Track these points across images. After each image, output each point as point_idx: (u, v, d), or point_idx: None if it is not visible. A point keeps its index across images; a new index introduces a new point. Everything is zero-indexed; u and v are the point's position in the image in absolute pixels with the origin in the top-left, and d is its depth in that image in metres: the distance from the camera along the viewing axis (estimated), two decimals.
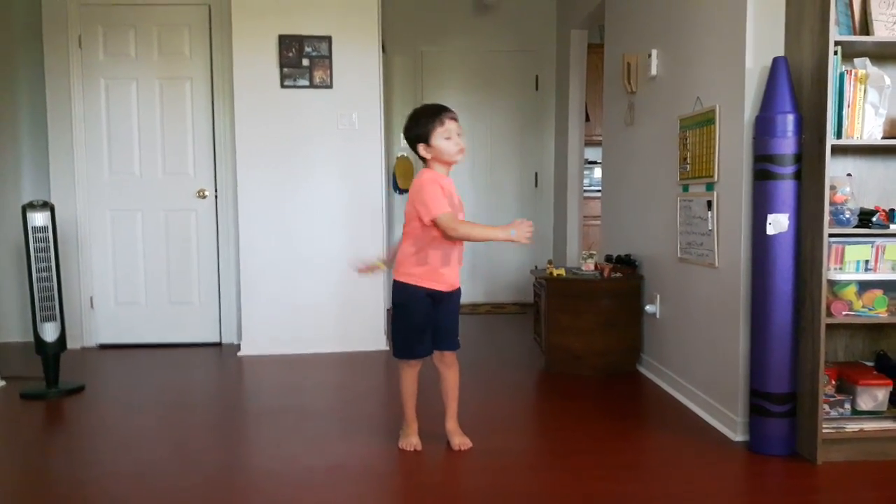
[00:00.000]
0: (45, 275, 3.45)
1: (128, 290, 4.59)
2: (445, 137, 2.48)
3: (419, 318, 2.57)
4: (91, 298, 4.56)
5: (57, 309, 3.49)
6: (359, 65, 4.29)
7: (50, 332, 3.46)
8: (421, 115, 2.53)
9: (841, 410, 2.54)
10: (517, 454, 2.66)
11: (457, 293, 2.65)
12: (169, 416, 3.17)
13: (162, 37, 4.51)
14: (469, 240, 2.53)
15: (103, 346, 4.58)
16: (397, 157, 5.74)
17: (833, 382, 2.59)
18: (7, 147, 4.65)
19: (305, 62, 4.25)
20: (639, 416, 3.15)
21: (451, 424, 2.72)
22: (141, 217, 4.57)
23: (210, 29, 4.50)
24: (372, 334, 4.39)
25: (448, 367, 2.70)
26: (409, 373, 2.67)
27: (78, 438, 2.94)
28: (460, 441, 2.69)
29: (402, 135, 2.64)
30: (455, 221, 2.47)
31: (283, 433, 2.89)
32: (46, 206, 3.48)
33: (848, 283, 2.47)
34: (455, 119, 2.52)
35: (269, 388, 3.64)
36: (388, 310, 4.48)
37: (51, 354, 3.47)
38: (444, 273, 2.57)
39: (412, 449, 2.65)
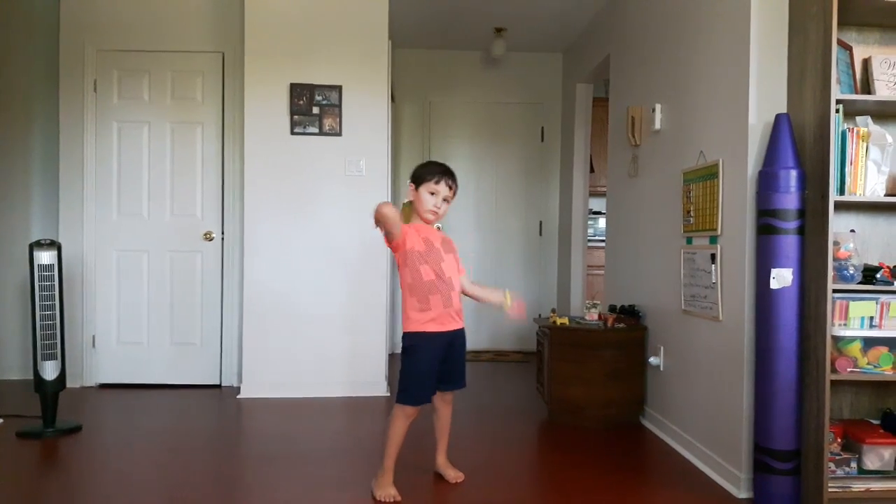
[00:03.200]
0: (48, 313, 3.46)
1: (131, 330, 4.58)
2: (430, 192, 2.66)
3: (431, 364, 2.65)
4: (93, 337, 4.55)
5: (58, 347, 3.48)
6: (368, 113, 4.37)
7: (50, 371, 3.45)
8: (430, 165, 2.74)
9: (847, 469, 2.50)
10: None
11: (463, 332, 2.77)
12: (165, 460, 3.13)
13: (175, 82, 4.60)
14: (380, 217, 2.48)
15: (103, 386, 4.55)
16: (403, 204, 5.76)
17: (839, 440, 2.55)
18: (18, 186, 4.72)
19: (315, 110, 4.33)
20: (641, 471, 3.10)
21: (445, 459, 2.88)
22: (147, 258, 4.59)
23: (223, 76, 4.60)
24: (374, 380, 4.36)
25: (449, 404, 2.85)
26: (407, 421, 2.66)
27: (72, 480, 2.91)
28: (455, 474, 2.84)
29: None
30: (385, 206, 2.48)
31: (280, 479, 2.84)
32: (53, 244, 3.51)
33: (853, 339, 2.46)
34: (451, 186, 2.69)
35: (267, 433, 3.60)
36: (390, 355, 4.47)
37: (49, 393, 3.45)
38: (449, 313, 2.67)
39: (391, 500, 2.59)
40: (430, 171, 2.67)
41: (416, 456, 3.02)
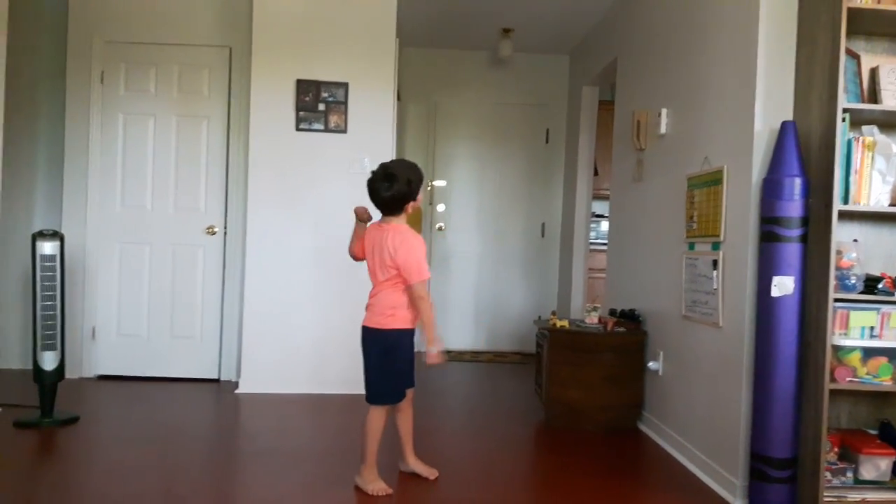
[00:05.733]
0: (49, 304, 3.46)
1: (131, 323, 4.59)
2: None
3: (411, 360, 2.73)
4: (93, 329, 4.56)
5: (58, 338, 3.49)
6: (373, 111, 4.37)
7: (49, 361, 3.45)
8: (418, 174, 2.69)
9: (843, 479, 2.49)
10: None
11: None
12: (161, 453, 3.13)
13: (182, 76, 4.61)
14: (419, 310, 2.65)
15: (102, 377, 4.56)
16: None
17: (836, 450, 2.55)
18: (23, 176, 4.71)
19: (321, 107, 4.33)
20: (637, 476, 3.09)
21: (415, 457, 2.89)
22: (149, 250, 4.60)
23: (230, 70, 4.60)
24: None
25: (411, 402, 2.85)
26: (385, 417, 2.72)
27: (68, 470, 2.91)
28: (430, 470, 2.86)
29: (392, 184, 2.62)
30: (426, 293, 2.63)
31: (275, 475, 2.85)
32: (56, 235, 3.52)
33: (852, 348, 2.45)
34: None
35: (265, 428, 3.60)
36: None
37: (48, 383, 3.46)
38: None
39: (384, 493, 2.63)
40: (422, 181, 2.72)
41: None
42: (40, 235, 3.49)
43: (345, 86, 4.33)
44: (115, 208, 4.59)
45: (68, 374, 3.76)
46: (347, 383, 4.27)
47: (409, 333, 2.70)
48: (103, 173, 4.57)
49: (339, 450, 3.24)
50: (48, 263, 3.47)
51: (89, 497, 2.58)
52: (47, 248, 3.47)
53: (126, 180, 4.60)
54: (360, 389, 4.22)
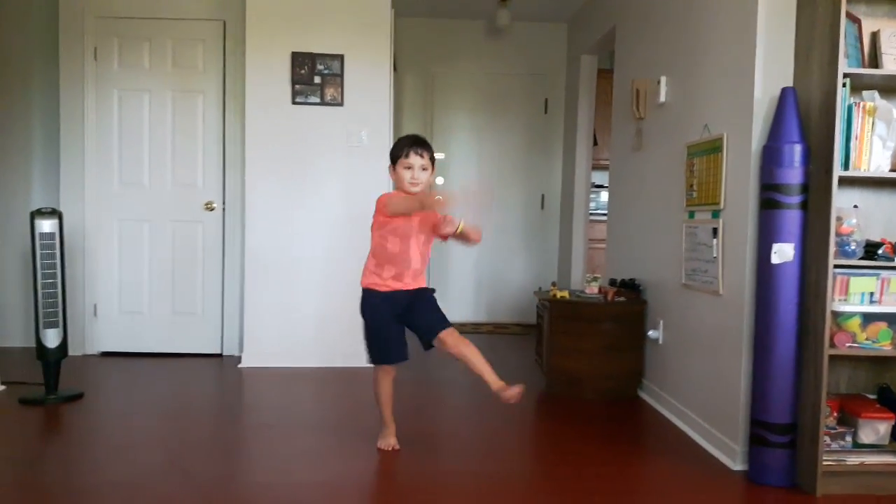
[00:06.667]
0: (49, 281, 3.46)
1: (132, 299, 4.60)
2: (405, 167, 2.68)
3: (384, 322, 2.72)
4: (95, 306, 4.57)
5: (60, 316, 3.50)
6: (370, 83, 4.33)
7: (52, 339, 3.46)
8: (399, 141, 2.77)
9: (842, 443, 2.52)
10: (512, 478, 2.64)
11: (421, 290, 2.75)
12: (166, 427, 3.16)
13: (176, 50, 4.56)
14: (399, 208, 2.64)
15: (105, 354, 4.58)
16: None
17: (835, 414, 2.57)
18: (19, 154, 4.69)
19: (317, 79, 4.29)
20: (638, 443, 3.12)
21: (498, 382, 2.64)
22: (148, 227, 4.59)
23: (224, 44, 4.55)
24: None
25: (457, 344, 2.66)
26: (384, 377, 2.81)
27: (74, 446, 2.94)
28: (513, 392, 2.59)
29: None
30: (396, 198, 2.67)
31: (279, 447, 2.87)
32: (54, 213, 3.51)
33: (852, 314, 2.46)
34: (422, 155, 2.68)
35: (268, 401, 3.63)
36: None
37: (52, 361, 3.47)
38: (402, 280, 2.70)
39: (389, 448, 2.81)
40: (399, 147, 2.71)
41: (411, 425, 3.03)
42: (39, 213, 3.48)
43: (340, 58, 4.29)
44: (112, 185, 4.57)
45: (71, 352, 3.78)
46: (349, 356, 4.29)
47: (372, 294, 2.73)
48: (100, 150, 4.55)
49: (343, 422, 3.27)
50: (47, 241, 3.46)
51: (97, 472, 2.61)
52: (46, 225, 3.46)
53: (123, 157, 4.58)
54: (362, 362, 4.26)
